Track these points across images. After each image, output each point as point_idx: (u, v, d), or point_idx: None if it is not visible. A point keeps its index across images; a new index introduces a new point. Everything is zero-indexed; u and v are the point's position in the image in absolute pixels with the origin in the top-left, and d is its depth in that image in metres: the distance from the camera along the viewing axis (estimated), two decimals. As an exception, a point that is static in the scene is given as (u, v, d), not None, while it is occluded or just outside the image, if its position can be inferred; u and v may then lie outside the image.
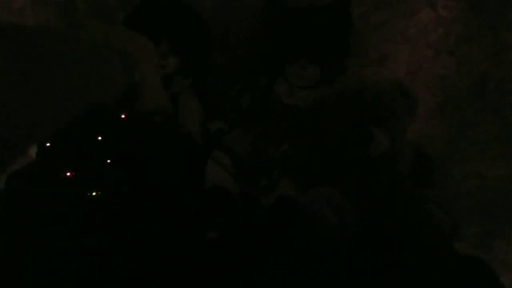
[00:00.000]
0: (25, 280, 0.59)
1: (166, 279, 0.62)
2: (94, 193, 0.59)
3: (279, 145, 0.90)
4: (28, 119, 0.37)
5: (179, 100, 0.98)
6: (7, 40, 0.35)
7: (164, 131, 0.83)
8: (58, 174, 0.59)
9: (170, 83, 0.97)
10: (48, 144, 0.58)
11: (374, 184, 0.78)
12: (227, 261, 0.68)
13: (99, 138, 0.60)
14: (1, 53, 0.34)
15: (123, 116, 0.62)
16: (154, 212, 0.68)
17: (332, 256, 0.69)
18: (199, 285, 0.64)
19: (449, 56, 1.06)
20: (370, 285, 0.66)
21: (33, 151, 0.66)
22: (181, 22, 0.95)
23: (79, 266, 0.60)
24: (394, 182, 0.78)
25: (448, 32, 1.05)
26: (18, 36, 0.37)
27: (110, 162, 0.61)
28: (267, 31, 1.00)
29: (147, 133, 0.69)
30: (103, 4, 1.08)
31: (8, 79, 0.34)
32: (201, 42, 1.00)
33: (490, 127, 1.08)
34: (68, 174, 0.59)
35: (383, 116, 0.78)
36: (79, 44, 0.44)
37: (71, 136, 0.59)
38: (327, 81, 0.97)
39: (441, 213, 0.70)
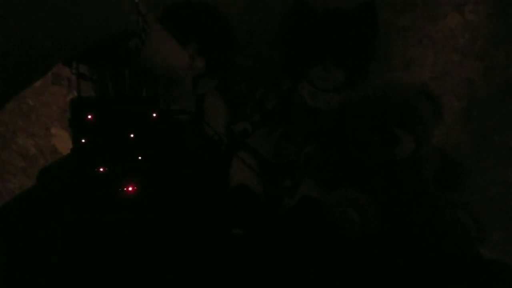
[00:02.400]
0: (59, 275, 0.61)
1: (190, 272, 0.64)
2: (126, 188, 0.62)
3: (303, 147, 0.91)
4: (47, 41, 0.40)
5: (205, 101, 1.00)
6: None
7: (191, 130, 0.85)
8: (92, 169, 0.61)
9: (196, 84, 0.99)
10: (83, 141, 0.60)
11: (398, 187, 0.78)
12: (250, 258, 0.69)
13: (132, 135, 0.62)
14: None
15: (154, 114, 0.64)
16: (182, 208, 0.70)
17: (354, 257, 0.70)
18: (222, 280, 0.65)
19: (476, 61, 1.05)
20: (391, 287, 0.66)
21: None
22: (208, 25, 0.97)
23: (111, 259, 0.62)
24: (418, 185, 0.78)
25: (475, 37, 1.04)
26: None
27: (141, 158, 0.63)
28: (292, 34, 1.01)
29: (175, 132, 0.71)
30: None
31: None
32: (227, 44, 1.01)
33: (516, 133, 1.07)
34: (102, 169, 0.61)
35: (409, 120, 0.78)
36: None
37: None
38: (351, 84, 0.98)
39: (466, 217, 0.70)
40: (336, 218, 0.72)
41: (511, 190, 1.08)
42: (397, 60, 1.08)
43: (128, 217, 0.64)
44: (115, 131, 0.62)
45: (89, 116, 0.61)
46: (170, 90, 0.69)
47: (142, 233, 0.66)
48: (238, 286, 0.65)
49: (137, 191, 0.63)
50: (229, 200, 0.84)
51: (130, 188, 0.62)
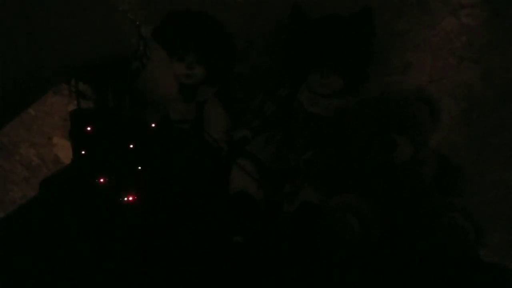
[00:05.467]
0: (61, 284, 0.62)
1: (192, 279, 0.64)
2: (126, 198, 0.62)
3: (302, 153, 0.91)
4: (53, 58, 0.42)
5: (205, 109, 1.01)
6: None
7: (191, 138, 0.85)
8: (92, 180, 0.62)
9: (195, 92, 1.00)
10: (83, 152, 0.61)
11: (397, 192, 0.78)
12: (251, 265, 0.70)
13: (131, 146, 0.63)
14: None
15: (153, 125, 0.65)
16: (182, 217, 0.70)
17: (354, 262, 0.70)
18: (223, 287, 0.65)
19: (473, 64, 1.06)
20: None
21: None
22: (207, 34, 0.98)
23: (111, 269, 0.63)
24: (417, 189, 0.79)
25: (472, 40, 1.05)
26: None
27: (141, 168, 0.64)
28: (290, 41, 1.02)
29: (175, 141, 0.72)
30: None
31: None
32: (226, 52, 1.02)
33: (514, 136, 1.07)
34: (102, 180, 0.62)
35: (407, 124, 0.78)
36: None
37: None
38: (350, 90, 0.98)
39: (464, 221, 0.70)
40: (335, 223, 0.73)
41: (511, 192, 1.08)
42: (395, 65, 1.08)
43: (129, 226, 0.64)
44: (115, 142, 0.63)
45: (89, 128, 0.61)
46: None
47: (143, 241, 0.66)
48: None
49: (137, 201, 0.63)
50: (229, 206, 0.85)
51: (130, 198, 0.63)
